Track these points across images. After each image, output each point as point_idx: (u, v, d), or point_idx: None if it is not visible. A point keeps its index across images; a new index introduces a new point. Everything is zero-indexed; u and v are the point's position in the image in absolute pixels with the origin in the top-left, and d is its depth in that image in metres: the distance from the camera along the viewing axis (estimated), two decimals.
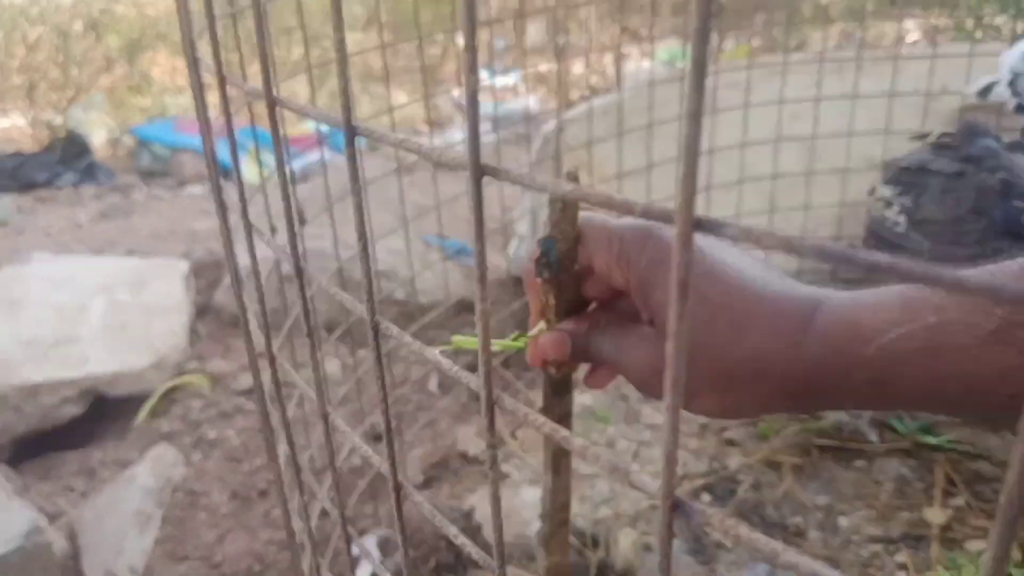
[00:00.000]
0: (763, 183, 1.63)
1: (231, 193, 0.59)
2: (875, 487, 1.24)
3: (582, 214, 0.43)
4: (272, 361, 0.54)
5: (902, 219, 1.37)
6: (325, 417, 0.44)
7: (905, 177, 1.40)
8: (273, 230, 0.84)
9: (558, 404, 0.48)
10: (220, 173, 0.67)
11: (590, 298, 0.45)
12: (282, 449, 0.78)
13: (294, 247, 0.40)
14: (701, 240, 0.40)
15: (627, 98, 1.52)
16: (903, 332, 0.37)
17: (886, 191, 1.41)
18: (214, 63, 0.44)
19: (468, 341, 0.44)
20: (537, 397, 1.54)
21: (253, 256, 0.50)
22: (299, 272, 0.39)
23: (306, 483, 0.62)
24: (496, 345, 0.45)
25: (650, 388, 0.42)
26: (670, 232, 0.39)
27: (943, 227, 1.31)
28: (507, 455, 1.38)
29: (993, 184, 1.29)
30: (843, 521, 1.19)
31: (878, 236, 1.41)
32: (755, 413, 0.42)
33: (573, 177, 0.39)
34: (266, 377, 0.60)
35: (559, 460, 0.48)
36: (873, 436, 1.34)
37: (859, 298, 0.39)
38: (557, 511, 0.50)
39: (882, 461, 1.28)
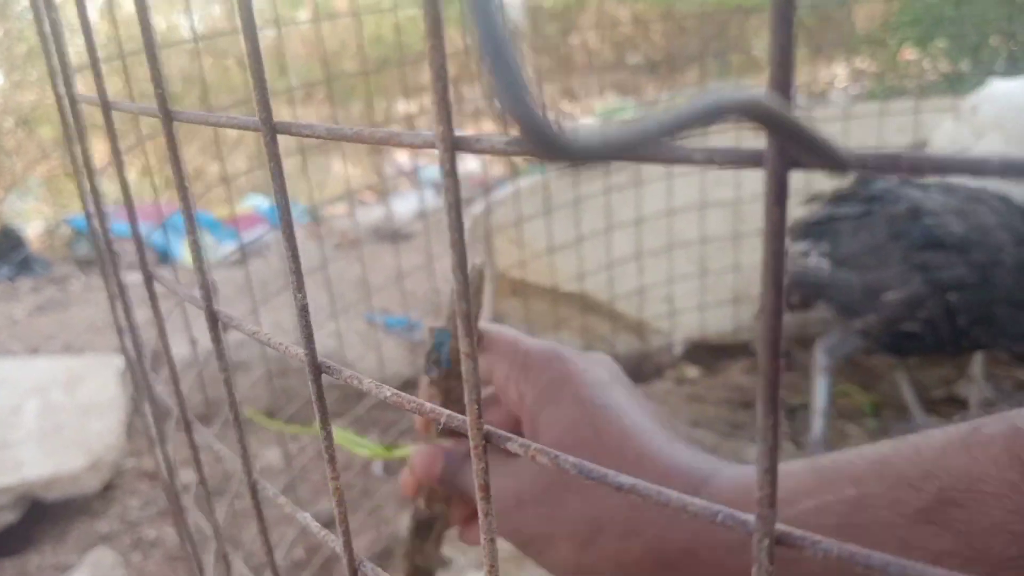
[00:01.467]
0: (692, 248, 1.67)
1: (167, 279, 0.59)
2: None
3: (486, 324, 0.41)
4: (164, 452, 0.54)
5: (824, 262, 1.41)
6: (253, 487, 0.44)
7: (815, 230, 1.44)
8: (194, 342, 0.84)
9: (420, 551, 0.42)
10: (156, 260, 0.67)
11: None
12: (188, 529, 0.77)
13: (220, 352, 0.41)
14: (604, 379, 0.38)
15: (552, 177, 1.56)
16: (816, 504, 0.31)
17: (801, 246, 1.45)
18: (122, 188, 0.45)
19: (348, 439, 0.42)
20: None
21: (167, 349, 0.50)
22: (224, 367, 0.39)
23: None
24: (365, 450, 0.42)
25: (508, 522, 0.37)
26: (575, 356, 0.39)
27: (866, 257, 1.35)
28: (451, 539, 1.37)
29: (901, 212, 1.32)
30: None
31: (804, 284, 1.44)
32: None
33: (478, 273, 0.38)
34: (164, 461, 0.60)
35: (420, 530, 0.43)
36: None
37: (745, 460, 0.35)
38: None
39: None
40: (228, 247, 2.94)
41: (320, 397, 0.31)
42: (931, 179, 1.41)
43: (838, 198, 1.46)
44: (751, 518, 0.20)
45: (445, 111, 0.19)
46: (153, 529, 1.59)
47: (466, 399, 0.27)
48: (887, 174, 0.13)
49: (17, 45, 4.60)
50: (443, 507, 0.40)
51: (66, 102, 0.52)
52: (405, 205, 3.38)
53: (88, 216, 0.52)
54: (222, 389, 0.44)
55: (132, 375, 0.61)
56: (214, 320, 0.34)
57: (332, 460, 0.36)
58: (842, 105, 1.69)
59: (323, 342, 1.83)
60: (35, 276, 3.28)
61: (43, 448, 1.70)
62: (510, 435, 0.28)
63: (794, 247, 1.47)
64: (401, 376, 1.79)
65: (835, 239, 1.41)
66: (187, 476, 1.74)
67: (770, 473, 0.19)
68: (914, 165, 0.13)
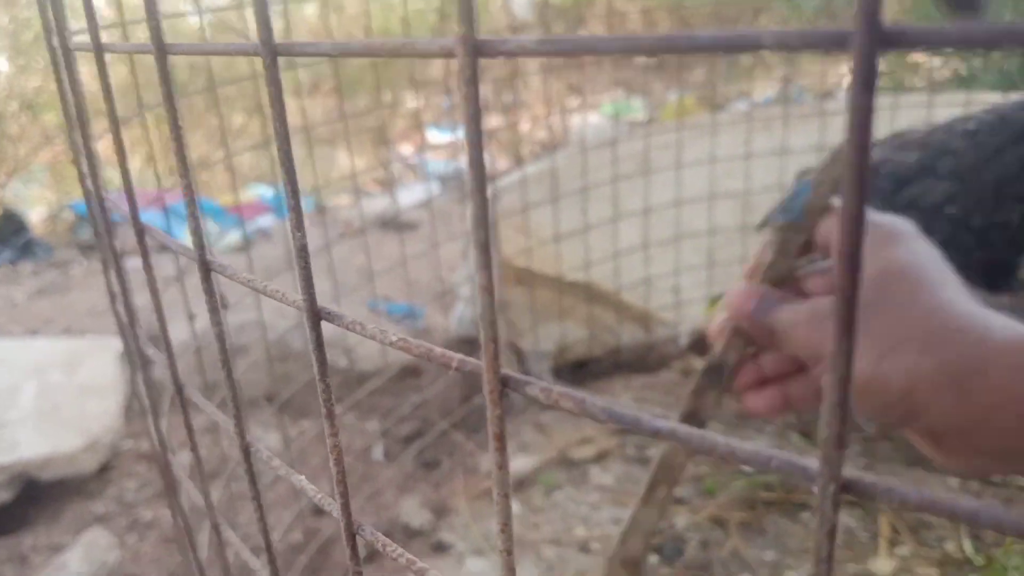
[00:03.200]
0: (700, 239, 1.66)
1: (168, 266, 0.58)
2: None
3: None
4: (161, 435, 0.52)
5: None
6: (246, 450, 0.42)
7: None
8: (192, 317, 0.82)
9: (702, 395, 0.44)
10: (155, 247, 0.65)
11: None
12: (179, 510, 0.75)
13: (220, 335, 0.39)
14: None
15: (560, 164, 1.54)
16: None
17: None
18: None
19: (715, 305, 0.43)
20: (483, 461, 1.51)
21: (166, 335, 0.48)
22: (224, 352, 0.37)
23: (246, 563, 0.59)
24: (707, 310, 0.44)
25: (814, 334, 0.40)
26: (912, 247, 0.40)
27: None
28: (451, 526, 1.35)
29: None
30: None
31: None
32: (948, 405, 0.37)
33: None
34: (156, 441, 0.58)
35: (656, 486, 0.45)
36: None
37: None
38: (637, 537, 0.46)
39: None
40: (232, 235, 2.92)
41: (319, 345, 0.29)
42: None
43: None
44: (813, 464, 0.19)
45: (468, 12, 0.17)
46: (149, 511, 1.57)
47: (482, 339, 0.26)
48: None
49: (24, 32, 4.59)
50: (735, 357, 0.42)
51: (59, 55, 0.50)
52: (410, 196, 3.36)
53: (81, 176, 0.51)
54: (220, 372, 0.42)
55: (124, 343, 0.60)
56: (207, 270, 0.33)
57: (331, 414, 0.34)
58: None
59: (325, 327, 1.81)
60: (37, 260, 3.27)
61: (40, 428, 1.69)
62: (529, 379, 0.26)
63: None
64: (402, 360, 1.77)
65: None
66: (185, 458, 1.73)
67: (839, 408, 0.18)
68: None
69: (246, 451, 0.42)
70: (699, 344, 1.76)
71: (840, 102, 1.70)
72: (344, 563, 1.19)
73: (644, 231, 1.60)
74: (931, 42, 0.14)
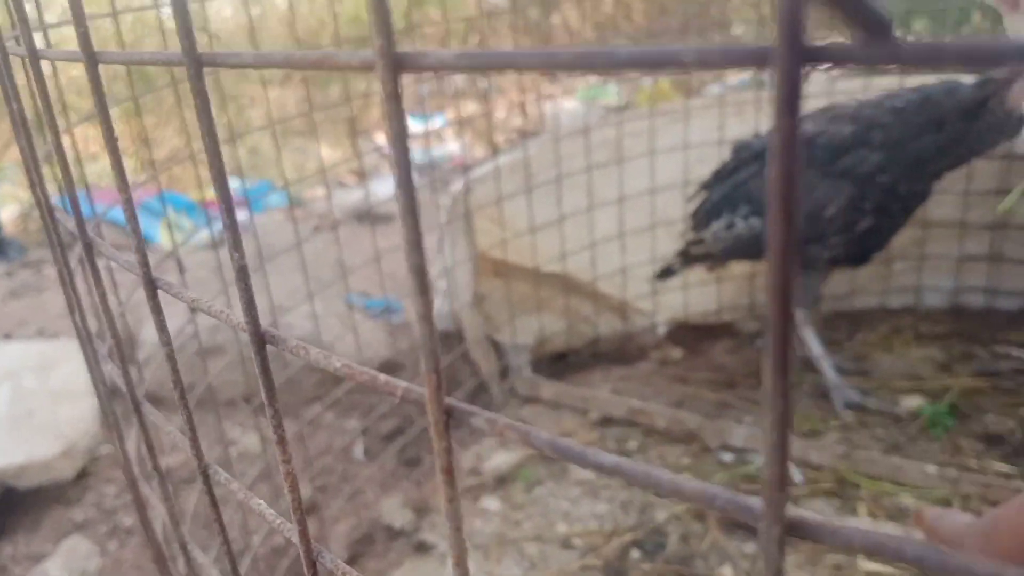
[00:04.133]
0: (675, 226, 1.65)
1: (104, 244, 0.57)
2: None
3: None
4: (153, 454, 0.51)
5: (754, 220, 1.47)
6: (204, 471, 0.41)
7: (726, 203, 1.50)
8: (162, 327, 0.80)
9: None
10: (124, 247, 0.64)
11: None
12: (159, 524, 0.74)
13: (170, 355, 0.38)
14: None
15: (533, 154, 1.53)
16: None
17: (721, 223, 1.48)
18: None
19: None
20: (464, 458, 1.50)
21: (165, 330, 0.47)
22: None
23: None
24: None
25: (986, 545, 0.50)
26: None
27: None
28: (432, 525, 1.35)
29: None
30: None
31: (749, 247, 1.51)
32: None
33: None
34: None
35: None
36: (798, 476, 1.34)
37: None
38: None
39: (806, 501, 1.29)
40: (207, 231, 2.89)
41: (265, 370, 0.28)
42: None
43: (728, 172, 1.52)
44: (756, 503, 0.19)
45: (385, 24, 0.16)
46: (129, 517, 1.56)
47: (423, 369, 0.25)
48: (932, 64, 0.11)
49: None
50: None
51: None
52: (386, 187, 3.33)
53: (31, 184, 0.49)
54: (195, 374, 0.41)
55: (84, 353, 0.58)
56: (152, 288, 0.32)
57: (282, 441, 0.33)
58: (824, 83, 1.67)
59: (300, 324, 1.80)
60: (9, 260, 3.22)
61: (14, 435, 1.66)
62: (472, 408, 0.25)
63: (714, 226, 1.49)
64: (380, 357, 1.76)
65: (750, 198, 1.47)
66: (173, 460, 1.71)
67: (779, 449, 0.17)
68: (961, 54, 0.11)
69: (204, 474, 0.41)
70: (676, 333, 1.77)
71: (814, 85, 1.70)
72: (328, 567, 1.18)
73: (619, 220, 1.60)
74: (853, 59, 0.14)
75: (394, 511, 1.37)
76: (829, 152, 1.36)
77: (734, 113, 1.71)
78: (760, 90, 1.75)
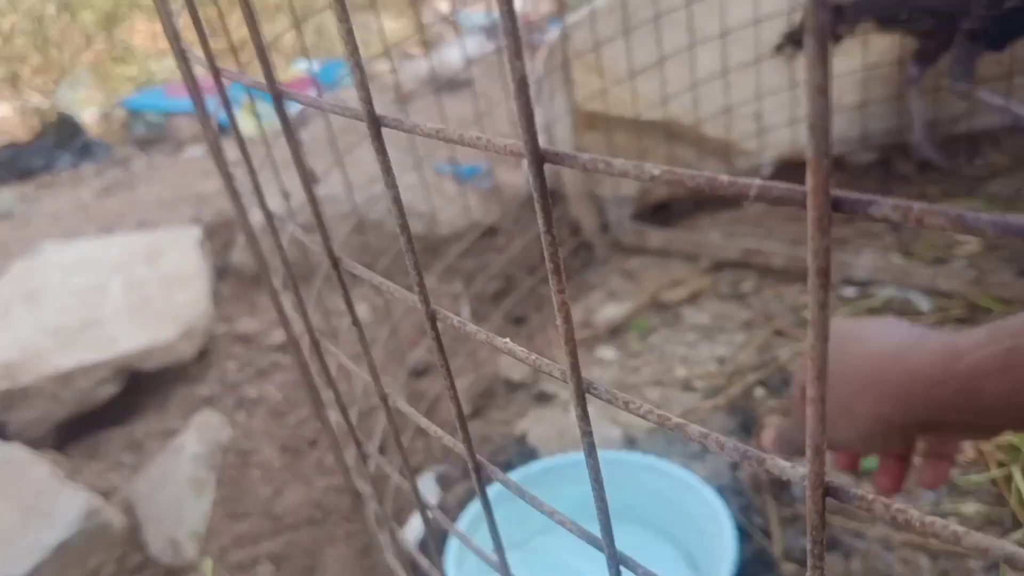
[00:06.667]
0: (781, 58, 1.56)
1: (231, 151, 0.55)
2: None
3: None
4: (306, 317, 0.50)
5: None
6: (372, 364, 0.40)
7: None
8: (287, 195, 0.79)
9: None
10: (218, 132, 0.62)
11: None
12: (327, 397, 0.75)
13: (315, 209, 0.36)
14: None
15: None
16: (985, 352, 0.46)
17: None
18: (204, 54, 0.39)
19: None
20: (574, 311, 1.48)
21: (269, 215, 0.45)
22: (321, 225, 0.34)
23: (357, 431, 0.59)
24: None
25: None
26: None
27: None
28: (550, 377, 1.35)
29: None
30: None
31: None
32: (881, 428, 0.52)
33: None
34: (296, 330, 0.57)
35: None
36: (925, 304, 1.29)
37: (966, 330, 0.49)
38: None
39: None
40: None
41: (544, 193, 0.25)
42: None
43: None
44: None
45: None
46: (254, 388, 1.61)
47: (810, 155, 0.21)
48: None
49: None
50: None
51: None
52: (454, 53, 3.24)
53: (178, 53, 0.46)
54: (296, 251, 0.39)
55: (242, 224, 0.57)
56: (376, 127, 0.30)
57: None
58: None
59: (403, 195, 1.78)
60: (97, 160, 3.28)
61: (134, 322, 1.72)
62: (866, 196, 0.20)
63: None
64: (482, 224, 1.74)
65: None
66: (276, 336, 1.75)
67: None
68: None
69: (385, 398, 0.40)
70: (784, 172, 1.69)
71: None
72: (450, 420, 1.20)
73: (723, 55, 1.51)
74: None
75: (511, 365, 1.38)
76: None
77: None
78: None
